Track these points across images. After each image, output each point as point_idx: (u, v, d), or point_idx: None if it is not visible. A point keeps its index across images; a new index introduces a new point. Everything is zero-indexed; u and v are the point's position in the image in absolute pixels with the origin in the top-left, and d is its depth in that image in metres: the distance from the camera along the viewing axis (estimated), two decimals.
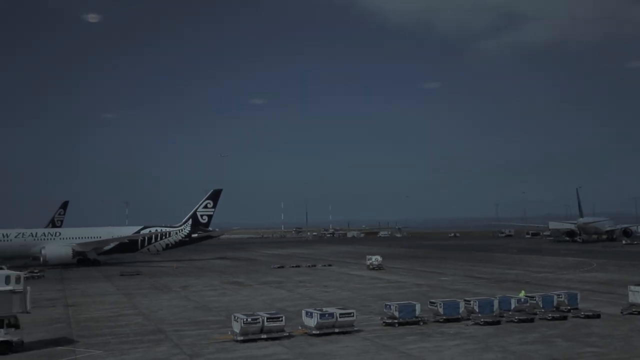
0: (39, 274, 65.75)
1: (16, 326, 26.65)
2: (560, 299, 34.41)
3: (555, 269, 64.42)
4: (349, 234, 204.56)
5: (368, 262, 68.48)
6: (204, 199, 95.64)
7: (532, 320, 31.95)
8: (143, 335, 30.46)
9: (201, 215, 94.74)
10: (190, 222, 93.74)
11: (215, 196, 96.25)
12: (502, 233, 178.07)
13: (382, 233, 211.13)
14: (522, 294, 35.68)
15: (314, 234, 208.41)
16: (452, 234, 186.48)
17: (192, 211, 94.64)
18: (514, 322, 31.64)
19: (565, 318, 32.57)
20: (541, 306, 33.64)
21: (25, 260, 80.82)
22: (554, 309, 33.60)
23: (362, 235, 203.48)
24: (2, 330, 26.03)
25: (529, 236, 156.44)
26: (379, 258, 69.08)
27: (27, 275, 53.03)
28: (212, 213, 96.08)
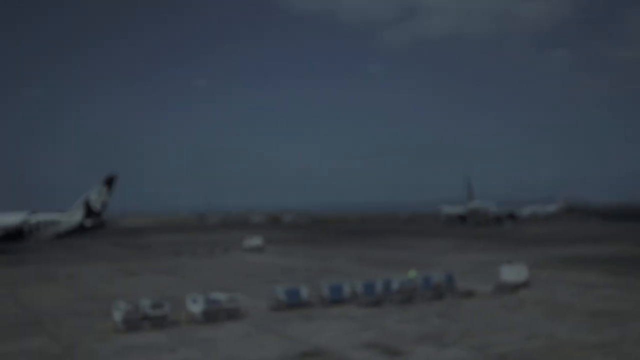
0: None
1: None
2: (439, 279, 36.42)
3: (440, 251, 67.84)
4: (253, 219, 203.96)
5: (246, 245, 67.80)
6: (98, 184, 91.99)
7: (411, 300, 33.68)
8: (19, 326, 29.28)
9: (95, 202, 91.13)
10: (83, 209, 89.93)
11: (109, 182, 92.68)
12: (402, 218, 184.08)
13: (286, 218, 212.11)
14: (412, 274, 37.30)
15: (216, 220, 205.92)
16: (357, 219, 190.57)
17: (85, 197, 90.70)
18: (394, 302, 33.22)
19: (441, 297, 34.60)
20: (421, 286, 35.46)
21: None
22: (432, 289, 35.55)
23: (265, 220, 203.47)
24: None
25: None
26: (258, 241, 69.15)
27: None
28: (106, 199, 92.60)
